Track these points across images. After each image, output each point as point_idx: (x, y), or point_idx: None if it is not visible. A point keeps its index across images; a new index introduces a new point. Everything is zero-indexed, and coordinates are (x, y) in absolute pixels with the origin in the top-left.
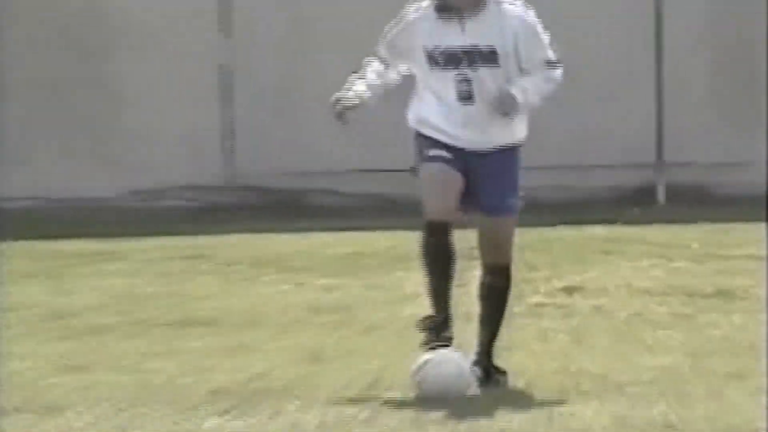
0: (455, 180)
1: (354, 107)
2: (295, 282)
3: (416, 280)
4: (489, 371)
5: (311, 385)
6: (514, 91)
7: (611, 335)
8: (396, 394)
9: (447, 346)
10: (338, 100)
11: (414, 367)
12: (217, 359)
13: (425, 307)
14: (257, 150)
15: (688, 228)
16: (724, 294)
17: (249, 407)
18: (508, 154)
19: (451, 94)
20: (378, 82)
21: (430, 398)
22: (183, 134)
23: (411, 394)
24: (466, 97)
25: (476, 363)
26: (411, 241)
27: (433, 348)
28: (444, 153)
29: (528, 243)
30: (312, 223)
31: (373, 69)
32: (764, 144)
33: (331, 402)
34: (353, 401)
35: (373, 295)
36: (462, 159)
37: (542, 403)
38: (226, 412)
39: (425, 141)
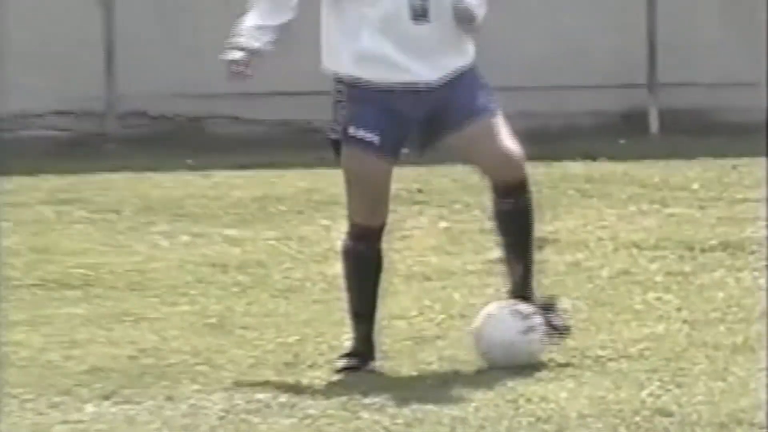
0: (387, 178)
1: (248, 65)
2: (193, 233)
3: (342, 231)
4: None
5: (214, 362)
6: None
7: (590, 299)
8: (320, 374)
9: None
10: (230, 62)
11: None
12: (95, 330)
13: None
14: (144, 67)
15: (687, 164)
16: (729, 247)
17: (137, 390)
18: (466, 74)
19: (402, 12)
20: (271, 23)
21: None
22: (52, 47)
23: (337, 374)
24: (421, 15)
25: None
26: (336, 181)
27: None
28: (374, 135)
29: (483, 182)
30: (213, 158)
31: (260, 9)
32: None
33: (239, 384)
34: (266, 383)
35: (290, 250)
36: (404, 119)
37: (505, 385)
38: (107, 397)
39: (352, 105)
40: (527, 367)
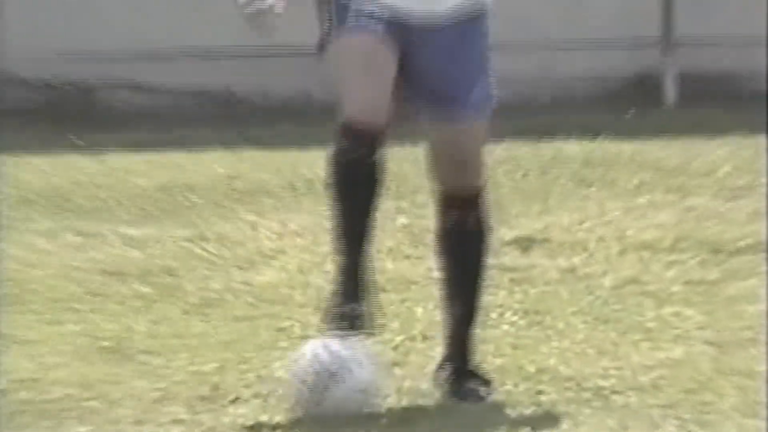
0: (388, 63)
1: (272, 16)
2: (82, 232)
3: (272, 229)
4: (463, 379)
5: (109, 397)
6: None
7: (590, 315)
8: (245, 410)
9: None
10: (258, 12)
11: (301, 375)
12: None
13: (291, 272)
14: (21, 22)
15: (712, 144)
16: (764, 249)
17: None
18: (469, 25)
19: None
20: None
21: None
22: None
23: (268, 410)
24: None
25: (444, 365)
26: (265, 165)
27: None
28: (372, 24)
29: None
30: (107, 136)
31: None
32: None
33: (140, 424)
34: (177, 423)
35: (207, 254)
36: (400, 36)
37: (480, 426)
38: None
39: (341, 7)
40: (509, 403)
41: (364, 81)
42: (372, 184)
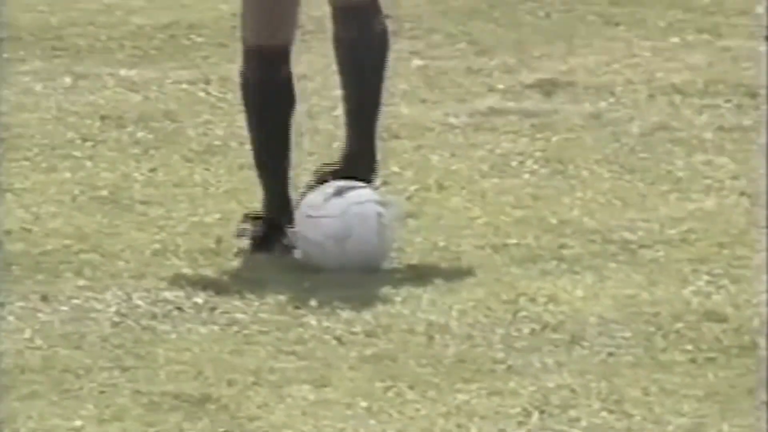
0: None
1: None
2: (76, 73)
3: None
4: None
5: (106, 249)
6: None
7: (615, 163)
8: (248, 263)
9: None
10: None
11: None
12: None
13: (299, 116)
14: None
15: None
16: None
17: (1, 287)
18: None
19: None
20: None
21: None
22: None
23: (273, 263)
24: None
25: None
26: None
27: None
28: None
29: (477, 7)
30: None
31: None
32: None
33: (139, 278)
34: (177, 277)
35: (210, 97)
36: None
37: (500, 280)
38: None
39: None
40: (529, 257)
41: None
42: (280, 104)
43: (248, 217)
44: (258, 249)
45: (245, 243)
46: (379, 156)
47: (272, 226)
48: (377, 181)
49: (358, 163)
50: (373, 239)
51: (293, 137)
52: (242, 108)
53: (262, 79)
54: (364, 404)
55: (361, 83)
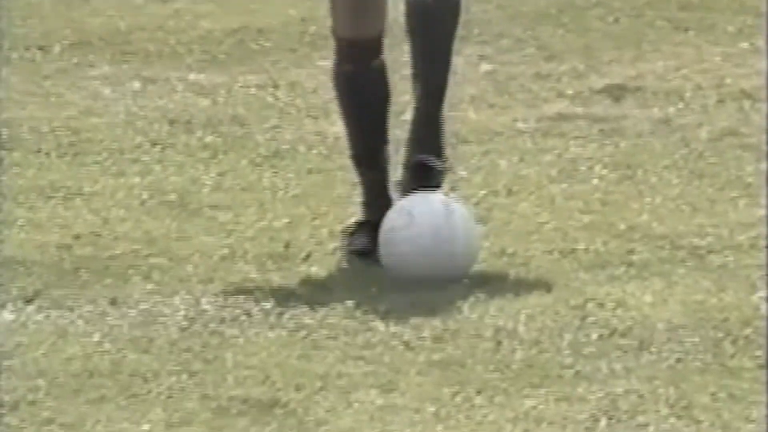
0: None
1: None
2: (145, 78)
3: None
4: (426, 150)
5: (174, 253)
6: None
7: (685, 169)
8: (317, 270)
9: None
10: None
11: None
12: (13, 209)
13: None
14: None
15: None
16: None
17: (70, 291)
18: None
19: None
20: None
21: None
22: None
23: (343, 262)
24: None
25: (410, 142)
26: None
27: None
28: None
29: (546, 12)
30: None
31: None
32: None
33: (207, 283)
34: (246, 282)
35: (278, 102)
36: None
37: (568, 285)
38: (29, 300)
39: None
40: (598, 263)
41: None
42: (372, 97)
43: (348, 231)
44: (362, 255)
45: (350, 253)
46: (448, 153)
47: (372, 228)
48: (445, 186)
49: (425, 138)
50: (439, 220)
51: (389, 131)
52: (337, 102)
53: (355, 72)
54: (431, 409)
55: (435, 50)
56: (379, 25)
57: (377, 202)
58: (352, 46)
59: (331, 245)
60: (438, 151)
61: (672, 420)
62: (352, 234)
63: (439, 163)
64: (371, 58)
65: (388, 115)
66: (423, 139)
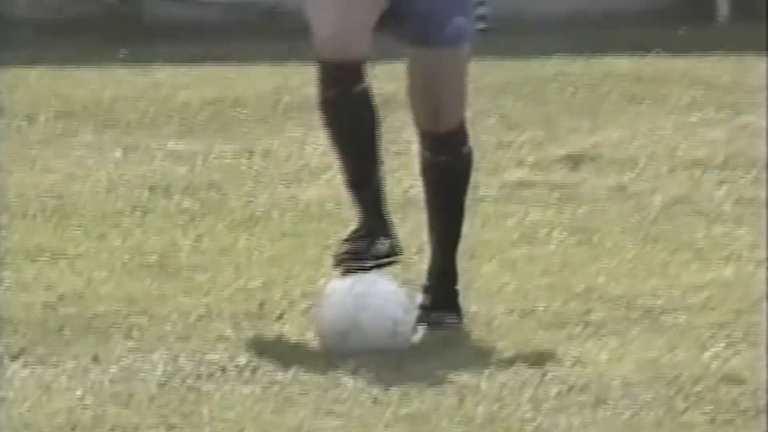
0: None
1: None
2: (127, 145)
3: (319, 145)
4: (441, 306)
5: (154, 312)
6: None
7: (639, 233)
8: (290, 328)
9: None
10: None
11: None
12: None
13: (338, 187)
14: None
15: (765, 59)
16: None
17: (54, 348)
18: None
19: None
20: None
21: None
22: None
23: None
24: None
25: (426, 290)
26: (311, 81)
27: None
28: None
29: (507, 84)
30: (152, 48)
31: None
32: None
33: (185, 340)
34: (221, 340)
35: (252, 169)
36: None
37: (529, 343)
38: (15, 356)
39: None
40: (556, 321)
41: (334, 12)
42: (357, 121)
43: (347, 239)
44: (352, 262)
45: (342, 267)
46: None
47: (365, 236)
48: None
49: (441, 290)
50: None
51: (380, 152)
52: (324, 129)
53: (338, 97)
54: None
55: (450, 206)
56: (362, 50)
57: (371, 220)
58: (335, 69)
59: (303, 305)
60: (453, 304)
61: None
62: (346, 241)
63: (454, 321)
64: (354, 82)
65: (378, 138)
66: (438, 289)
